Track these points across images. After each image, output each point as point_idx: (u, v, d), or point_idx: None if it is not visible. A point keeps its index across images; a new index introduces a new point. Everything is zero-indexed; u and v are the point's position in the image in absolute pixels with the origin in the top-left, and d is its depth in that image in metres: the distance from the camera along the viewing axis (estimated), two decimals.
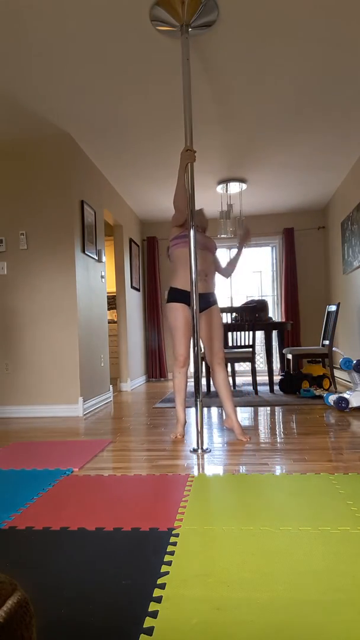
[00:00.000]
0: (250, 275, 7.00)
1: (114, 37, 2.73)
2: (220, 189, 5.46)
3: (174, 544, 1.39)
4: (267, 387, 5.15)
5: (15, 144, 4.03)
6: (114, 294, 6.95)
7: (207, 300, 2.90)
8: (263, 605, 1.06)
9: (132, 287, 6.08)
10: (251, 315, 4.55)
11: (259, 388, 5.14)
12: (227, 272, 3.15)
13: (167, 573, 1.22)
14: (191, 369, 7.11)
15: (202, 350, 3.49)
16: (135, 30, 2.67)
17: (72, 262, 3.96)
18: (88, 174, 4.41)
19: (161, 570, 1.23)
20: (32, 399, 4.01)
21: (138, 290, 6.50)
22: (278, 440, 2.73)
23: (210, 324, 2.91)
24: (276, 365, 6.66)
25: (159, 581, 1.18)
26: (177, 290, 2.87)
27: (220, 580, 1.17)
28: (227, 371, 2.98)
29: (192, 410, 3.93)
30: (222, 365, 2.94)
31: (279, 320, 6.84)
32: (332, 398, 3.65)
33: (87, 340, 4.20)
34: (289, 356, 5.15)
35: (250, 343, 4.57)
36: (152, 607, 1.06)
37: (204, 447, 2.56)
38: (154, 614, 1.03)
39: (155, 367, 6.84)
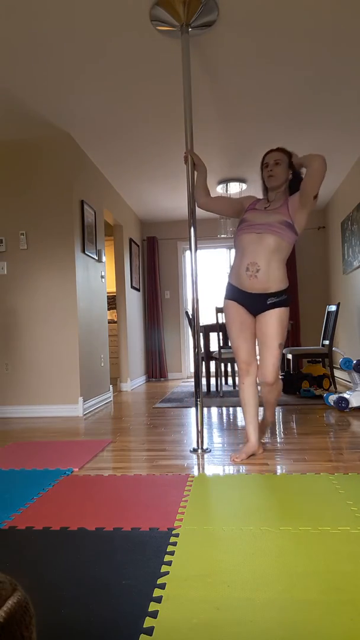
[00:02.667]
0: None
1: (114, 37, 2.73)
2: (220, 188, 5.46)
3: (174, 544, 1.39)
4: None
5: (16, 144, 4.03)
6: (114, 294, 6.94)
7: (260, 303, 2.31)
8: (263, 605, 1.06)
9: (132, 287, 6.08)
10: None
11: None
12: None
13: (167, 573, 1.22)
14: (191, 368, 7.11)
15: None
16: (136, 30, 2.67)
17: (72, 262, 3.96)
18: (88, 174, 4.41)
19: (161, 570, 1.23)
20: (32, 399, 4.01)
21: (138, 290, 6.50)
22: (278, 440, 2.73)
23: (260, 330, 2.35)
24: None
25: (159, 581, 1.18)
26: (230, 286, 2.42)
27: (220, 580, 1.17)
28: (279, 385, 2.42)
29: (192, 411, 3.93)
30: (277, 381, 2.38)
31: None
32: (332, 398, 3.65)
33: (87, 340, 4.20)
34: (289, 356, 5.15)
35: None
36: (152, 607, 1.06)
37: (204, 447, 2.56)
38: (154, 614, 1.03)
39: (155, 367, 6.84)
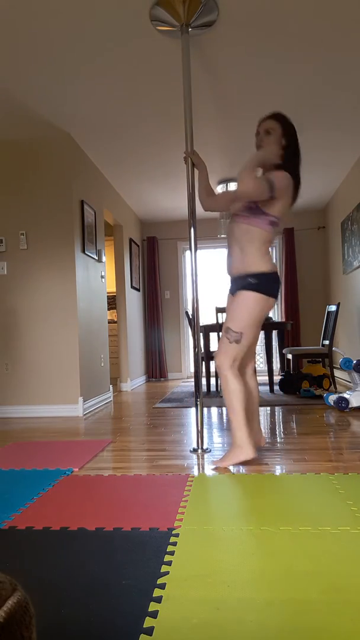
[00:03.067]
0: None
1: (114, 37, 2.73)
2: (220, 188, 5.46)
3: (174, 544, 1.39)
4: (267, 387, 5.15)
5: (16, 144, 4.03)
6: (114, 294, 6.95)
7: (233, 286, 2.31)
8: (263, 605, 1.06)
9: (132, 287, 6.08)
10: None
11: (259, 388, 5.14)
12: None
13: (167, 573, 1.22)
14: (191, 368, 7.11)
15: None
16: (136, 30, 2.67)
17: (72, 262, 3.96)
18: (88, 174, 4.41)
19: (161, 570, 1.23)
20: (32, 399, 4.01)
21: (138, 290, 6.50)
22: (278, 440, 2.73)
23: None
24: (276, 365, 6.66)
25: (159, 581, 1.18)
26: None
27: (220, 580, 1.17)
28: (226, 381, 2.24)
29: (192, 411, 3.93)
30: (220, 369, 2.24)
31: (279, 320, 6.84)
32: (332, 398, 3.65)
33: (87, 340, 4.20)
34: (289, 356, 5.15)
35: None
36: (152, 607, 1.06)
37: (204, 447, 2.56)
38: (154, 614, 1.03)
39: (155, 367, 6.84)
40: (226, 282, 6.96)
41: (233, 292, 2.30)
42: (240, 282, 2.22)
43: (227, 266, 2.34)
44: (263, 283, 2.18)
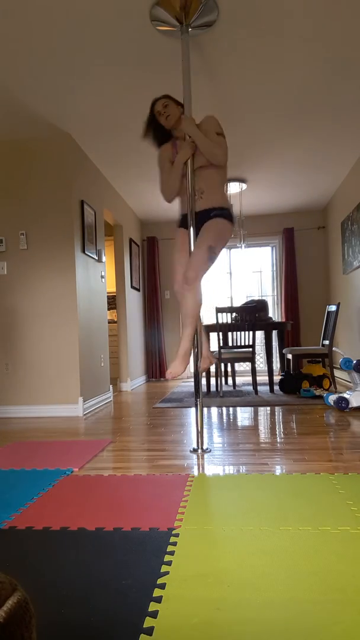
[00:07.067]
0: (250, 275, 7.00)
1: (114, 37, 2.73)
2: None
3: (174, 544, 1.39)
4: (267, 387, 5.15)
5: (15, 144, 4.03)
6: (114, 294, 6.95)
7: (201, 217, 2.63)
8: (263, 605, 1.06)
9: (132, 287, 6.08)
10: (251, 315, 4.55)
11: (259, 388, 5.14)
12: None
13: (167, 573, 1.22)
14: (191, 368, 7.11)
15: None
16: (135, 30, 2.67)
17: (72, 262, 3.96)
18: (88, 174, 4.41)
19: (161, 570, 1.23)
20: (32, 399, 4.01)
21: (138, 290, 6.50)
22: (278, 440, 2.73)
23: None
24: (276, 365, 6.66)
25: (159, 581, 1.18)
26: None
27: (220, 580, 1.17)
28: (198, 292, 2.62)
29: (192, 411, 3.93)
30: (195, 281, 2.58)
31: (279, 320, 6.84)
32: (332, 398, 3.65)
33: (87, 340, 4.20)
34: (289, 356, 5.15)
35: (250, 343, 4.57)
36: (152, 607, 1.06)
37: (204, 447, 2.56)
38: (154, 614, 1.03)
39: (155, 367, 6.84)
40: (224, 281, 6.96)
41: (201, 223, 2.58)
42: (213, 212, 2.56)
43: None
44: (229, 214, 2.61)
